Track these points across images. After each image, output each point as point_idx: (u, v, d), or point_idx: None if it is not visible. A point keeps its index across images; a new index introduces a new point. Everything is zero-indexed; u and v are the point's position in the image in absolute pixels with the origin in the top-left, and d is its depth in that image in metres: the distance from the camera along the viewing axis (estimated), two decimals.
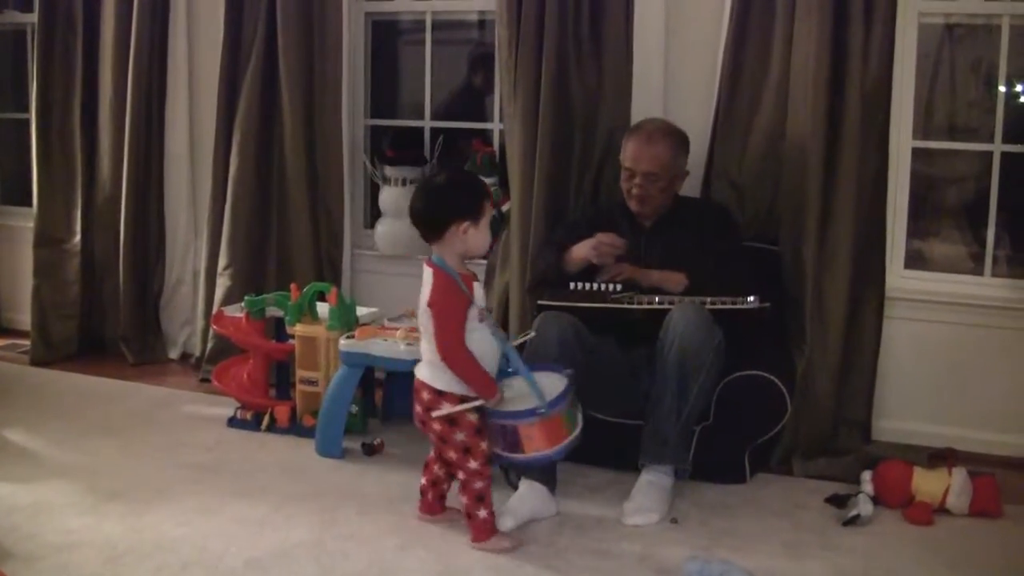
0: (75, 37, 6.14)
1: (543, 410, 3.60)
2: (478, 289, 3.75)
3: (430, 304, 3.67)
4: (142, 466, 4.51)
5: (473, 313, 3.66)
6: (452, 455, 3.73)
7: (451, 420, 3.68)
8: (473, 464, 3.70)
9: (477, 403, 3.66)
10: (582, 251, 4.46)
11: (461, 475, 3.74)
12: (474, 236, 3.70)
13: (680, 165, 4.61)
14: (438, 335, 3.64)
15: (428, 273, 3.72)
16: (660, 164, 4.50)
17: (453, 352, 3.63)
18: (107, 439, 4.81)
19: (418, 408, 3.77)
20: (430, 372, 3.73)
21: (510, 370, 3.77)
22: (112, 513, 4.01)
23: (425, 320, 3.70)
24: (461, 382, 3.66)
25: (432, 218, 3.72)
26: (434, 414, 3.68)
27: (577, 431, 3.76)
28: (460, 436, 3.70)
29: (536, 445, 3.66)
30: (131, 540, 3.78)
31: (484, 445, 3.71)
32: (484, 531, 3.73)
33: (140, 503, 4.11)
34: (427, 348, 3.73)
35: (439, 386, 3.69)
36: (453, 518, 3.94)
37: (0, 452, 4.66)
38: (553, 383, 3.75)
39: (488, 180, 5.42)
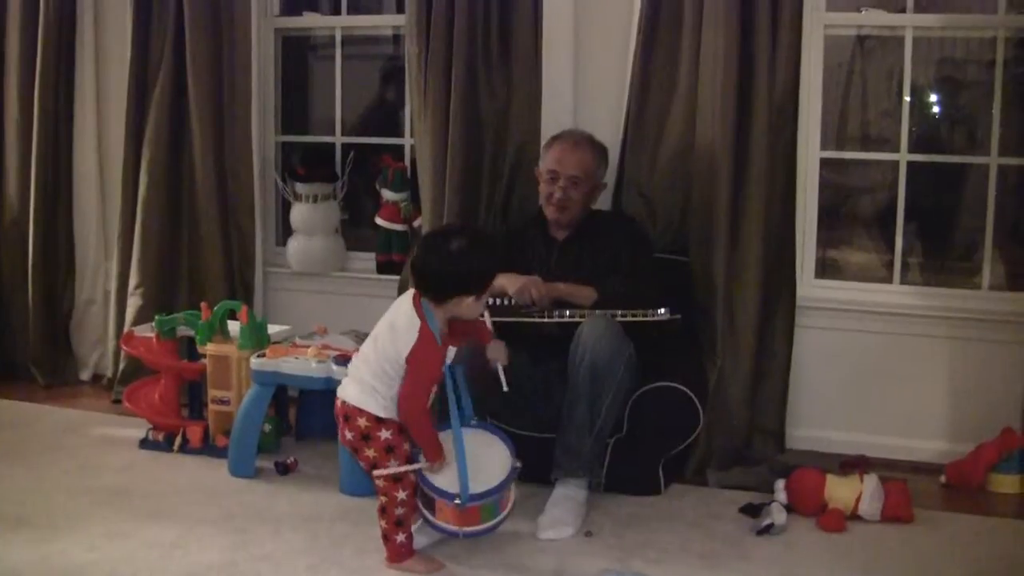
0: None
1: (458, 502, 3.56)
2: (451, 353, 3.69)
3: (410, 360, 3.52)
4: (51, 491, 4.42)
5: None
6: (381, 483, 3.62)
7: (388, 447, 3.58)
8: (402, 494, 3.60)
9: (418, 466, 3.61)
10: (509, 284, 4.39)
11: (384, 499, 3.64)
12: (471, 307, 3.62)
13: (600, 175, 4.67)
14: (408, 390, 3.54)
15: (410, 314, 3.57)
16: (584, 169, 4.55)
17: (416, 413, 3.55)
18: (15, 464, 4.72)
19: (349, 434, 3.65)
20: (372, 398, 3.59)
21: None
22: (19, 540, 3.92)
23: (385, 349, 3.58)
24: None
25: (442, 285, 3.58)
26: (378, 473, 3.61)
27: (497, 519, 3.74)
28: (393, 463, 3.59)
29: (446, 518, 3.65)
30: (38, 568, 3.70)
31: (413, 474, 3.63)
32: (401, 554, 3.67)
33: (48, 529, 4.03)
34: (367, 372, 3.61)
35: (380, 413, 3.58)
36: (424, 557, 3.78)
37: None
38: (494, 462, 3.73)
39: (399, 195, 5.43)
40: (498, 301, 4.37)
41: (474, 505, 3.59)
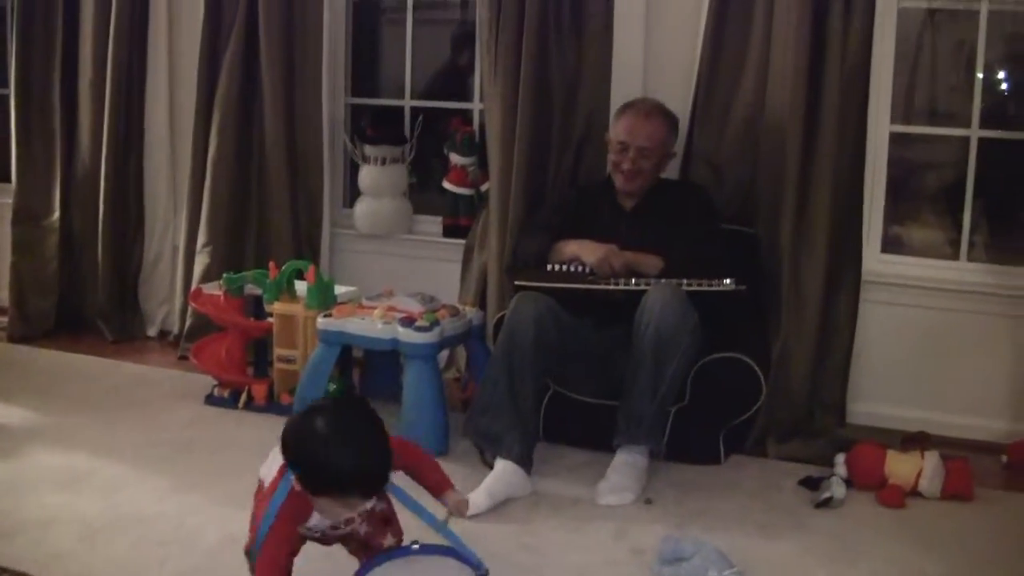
0: (55, 13, 6.09)
1: None
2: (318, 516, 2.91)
3: (261, 494, 3.00)
4: (119, 443, 4.51)
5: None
6: None
7: None
8: None
9: None
10: (586, 253, 4.42)
11: None
12: (322, 507, 2.86)
13: (670, 145, 4.66)
14: (261, 540, 2.84)
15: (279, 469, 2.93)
16: (655, 140, 4.54)
17: (266, 569, 2.82)
18: (85, 416, 4.81)
19: None
20: None
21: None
22: (88, 490, 4.02)
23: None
24: None
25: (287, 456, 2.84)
26: None
27: None
28: None
29: None
30: (107, 517, 3.78)
31: None
32: None
33: (117, 480, 4.12)
34: None
35: None
36: None
37: None
38: None
39: (467, 160, 5.46)
40: (567, 267, 4.40)
41: None
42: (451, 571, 2.87)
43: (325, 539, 3.08)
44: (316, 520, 2.90)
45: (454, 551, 2.94)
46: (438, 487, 3.16)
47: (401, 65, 5.90)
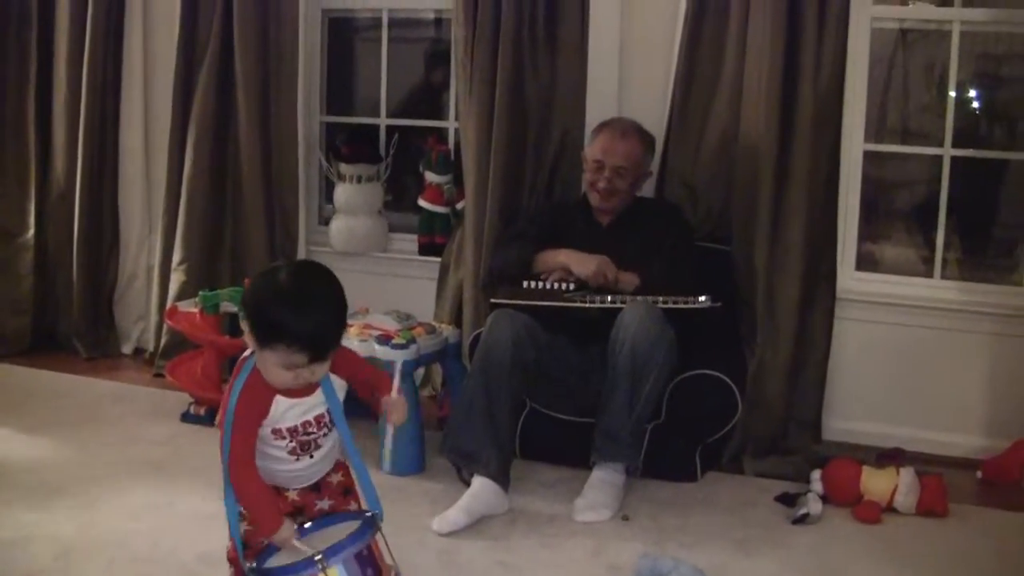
0: (29, 30, 6.06)
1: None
2: (284, 405, 2.78)
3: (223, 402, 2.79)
4: (94, 461, 4.48)
5: (266, 431, 2.81)
6: None
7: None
8: None
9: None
10: (578, 265, 4.42)
11: None
12: (266, 362, 2.70)
13: (646, 164, 4.68)
14: (228, 444, 2.74)
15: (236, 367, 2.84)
16: (631, 159, 4.56)
17: (240, 469, 2.77)
18: (59, 434, 4.78)
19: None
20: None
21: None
22: (63, 508, 3.99)
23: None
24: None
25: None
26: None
27: None
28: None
29: None
30: (82, 535, 3.76)
31: None
32: None
33: (92, 498, 4.09)
34: None
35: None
36: None
37: None
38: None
39: (442, 178, 5.47)
40: (543, 284, 4.41)
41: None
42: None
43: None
44: (277, 412, 2.78)
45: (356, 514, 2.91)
46: (376, 393, 2.96)
47: (376, 83, 5.92)
